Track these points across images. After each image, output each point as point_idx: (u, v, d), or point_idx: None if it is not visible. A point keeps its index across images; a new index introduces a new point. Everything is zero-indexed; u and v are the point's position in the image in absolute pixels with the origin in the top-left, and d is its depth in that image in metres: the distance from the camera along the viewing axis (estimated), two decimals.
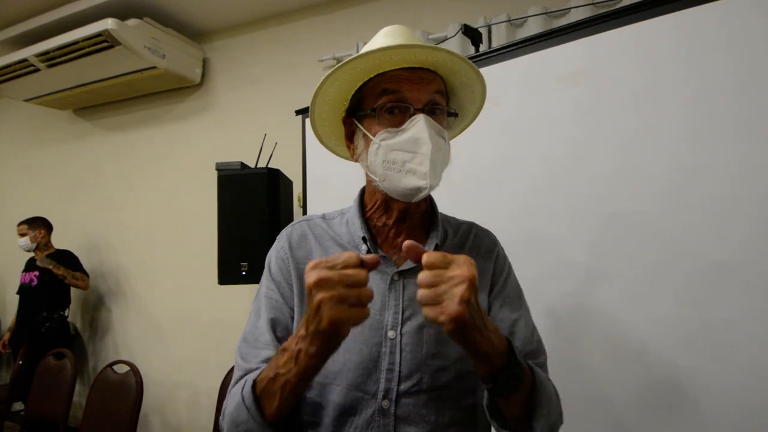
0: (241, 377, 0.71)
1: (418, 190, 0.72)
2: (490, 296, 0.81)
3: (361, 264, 0.56)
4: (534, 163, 1.45)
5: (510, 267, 0.86)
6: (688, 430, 1.15)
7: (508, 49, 1.53)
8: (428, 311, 0.55)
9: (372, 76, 0.75)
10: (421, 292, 0.55)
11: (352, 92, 0.79)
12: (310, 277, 0.54)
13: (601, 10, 1.72)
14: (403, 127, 0.72)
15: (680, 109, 1.20)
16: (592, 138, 1.34)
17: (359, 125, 0.77)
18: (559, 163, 1.40)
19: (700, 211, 1.16)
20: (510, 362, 0.62)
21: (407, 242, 0.57)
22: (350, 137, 0.81)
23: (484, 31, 2.04)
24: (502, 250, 0.87)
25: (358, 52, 0.72)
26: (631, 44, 1.29)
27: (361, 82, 0.77)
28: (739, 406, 1.08)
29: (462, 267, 0.55)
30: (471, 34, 1.85)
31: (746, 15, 1.13)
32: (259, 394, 0.63)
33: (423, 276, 0.56)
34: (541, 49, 1.45)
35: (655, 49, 1.25)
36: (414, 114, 0.72)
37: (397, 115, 0.73)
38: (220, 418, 0.69)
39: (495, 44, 2.07)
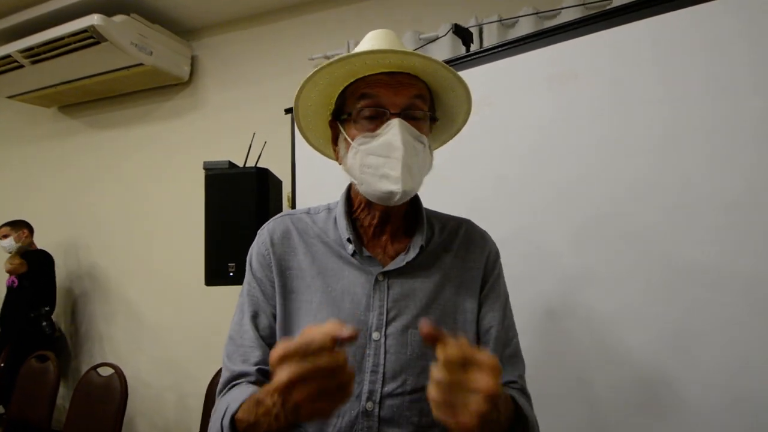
0: (228, 380, 0.71)
1: (392, 194, 0.72)
2: (480, 295, 0.81)
3: (338, 341, 0.48)
4: (525, 163, 1.44)
5: (501, 269, 0.86)
6: (668, 428, 1.15)
7: (499, 49, 1.52)
8: (439, 413, 0.50)
9: (352, 81, 0.76)
10: (434, 391, 0.50)
11: (336, 96, 0.79)
12: (281, 376, 0.47)
13: (593, 11, 1.73)
14: (378, 131, 0.72)
15: (672, 109, 1.21)
16: (582, 138, 1.34)
17: (341, 129, 0.78)
18: (549, 162, 1.39)
19: (690, 213, 1.16)
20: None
21: (423, 328, 0.50)
22: (335, 140, 0.82)
23: (475, 31, 2.04)
24: (496, 250, 0.86)
25: (348, 51, 0.71)
26: (622, 45, 1.29)
27: (342, 87, 0.77)
28: (718, 404, 1.09)
29: (483, 374, 0.48)
30: (462, 33, 1.85)
31: (747, 16, 1.13)
32: None
33: (438, 375, 0.50)
34: (532, 50, 1.44)
35: (647, 49, 1.25)
36: (390, 119, 0.72)
37: (374, 120, 0.73)
38: None
39: (486, 44, 2.07)
